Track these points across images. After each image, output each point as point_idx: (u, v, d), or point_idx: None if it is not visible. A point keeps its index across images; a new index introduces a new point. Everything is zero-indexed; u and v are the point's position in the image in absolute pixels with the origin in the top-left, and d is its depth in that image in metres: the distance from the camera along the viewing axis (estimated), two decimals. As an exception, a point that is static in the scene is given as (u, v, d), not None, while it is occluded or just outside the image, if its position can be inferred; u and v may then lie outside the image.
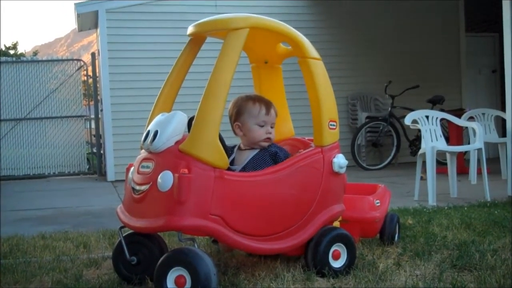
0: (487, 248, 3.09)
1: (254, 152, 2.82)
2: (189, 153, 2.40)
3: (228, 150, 2.75)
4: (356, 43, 9.84)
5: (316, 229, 2.69)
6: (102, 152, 10.09)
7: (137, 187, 2.51)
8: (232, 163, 2.82)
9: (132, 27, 8.90)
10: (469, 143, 6.70)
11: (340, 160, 2.76)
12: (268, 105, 2.85)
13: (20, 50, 35.18)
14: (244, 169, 2.77)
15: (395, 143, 8.98)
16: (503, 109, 6.18)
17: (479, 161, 5.50)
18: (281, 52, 3.11)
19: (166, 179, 2.37)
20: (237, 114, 2.84)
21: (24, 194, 7.54)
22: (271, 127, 2.85)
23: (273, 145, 2.85)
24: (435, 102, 8.46)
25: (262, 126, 2.81)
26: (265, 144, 2.83)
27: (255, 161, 2.78)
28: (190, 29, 2.78)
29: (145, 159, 2.55)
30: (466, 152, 7.17)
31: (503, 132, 7.55)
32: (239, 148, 2.90)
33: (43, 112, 10.30)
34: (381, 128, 9.05)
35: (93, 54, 10.46)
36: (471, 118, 7.26)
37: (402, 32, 10.01)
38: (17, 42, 35.15)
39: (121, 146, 8.66)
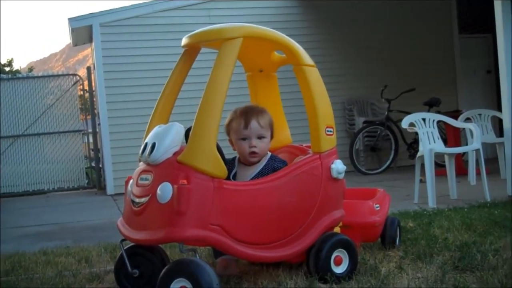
0: (488, 249, 3.09)
1: (259, 168, 2.80)
2: (187, 163, 2.41)
3: (227, 161, 2.73)
4: (351, 49, 9.85)
5: (317, 235, 2.69)
6: (100, 166, 10.07)
7: (137, 200, 2.51)
8: (234, 176, 2.82)
9: (127, 40, 8.92)
10: (467, 145, 6.71)
11: (338, 166, 2.77)
12: (247, 117, 2.77)
13: (16, 66, 35.22)
14: None
15: (393, 147, 8.97)
16: (499, 109, 6.18)
17: (477, 161, 5.49)
18: (275, 60, 3.12)
19: (165, 190, 2.38)
20: (228, 131, 2.87)
21: (24, 210, 7.52)
22: (259, 138, 2.79)
23: (277, 161, 2.83)
24: (431, 105, 8.46)
25: (244, 140, 2.80)
26: (253, 159, 2.79)
27: (259, 177, 2.73)
28: (184, 40, 2.79)
29: (143, 171, 2.55)
30: (464, 154, 7.18)
31: (500, 132, 7.56)
32: (240, 161, 2.88)
33: (40, 128, 10.28)
34: (378, 132, 9.05)
35: (88, 68, 10.47)
36: (468, 119, 7.27)
37: (395, 36, 10.04)
38: (12, 59, 35.19)
39: (119, 159, 8.64)
